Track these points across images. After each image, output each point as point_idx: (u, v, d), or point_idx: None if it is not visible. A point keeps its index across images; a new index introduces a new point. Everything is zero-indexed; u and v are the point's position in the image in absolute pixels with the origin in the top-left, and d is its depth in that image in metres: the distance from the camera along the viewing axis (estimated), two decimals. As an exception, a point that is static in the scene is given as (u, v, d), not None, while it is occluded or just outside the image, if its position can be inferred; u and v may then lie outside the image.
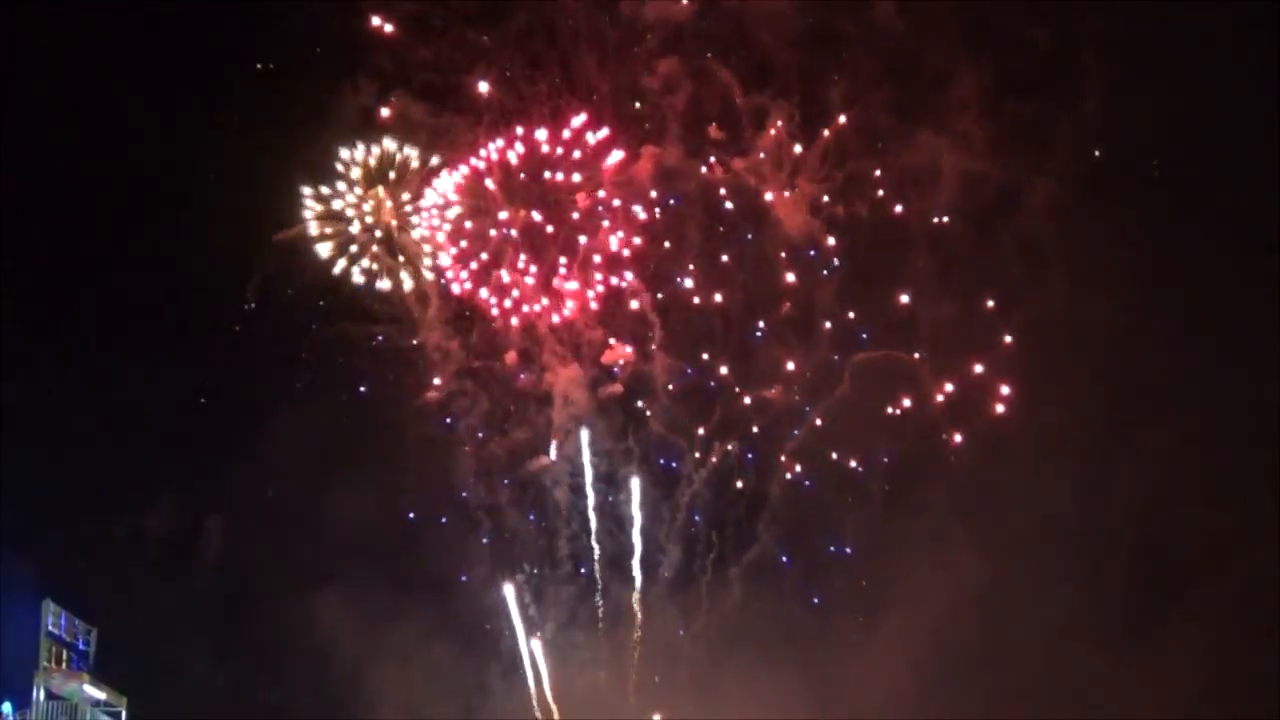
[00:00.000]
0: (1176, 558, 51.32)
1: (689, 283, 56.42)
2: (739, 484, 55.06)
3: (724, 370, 56.14)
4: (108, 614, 45.21)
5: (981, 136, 54.85)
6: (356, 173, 53.78)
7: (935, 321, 54.99)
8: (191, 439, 51.46)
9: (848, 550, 54.73)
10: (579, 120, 54.81)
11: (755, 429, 55.35)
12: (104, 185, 50.80)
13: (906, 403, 54.98)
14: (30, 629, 42.08)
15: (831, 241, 56.25)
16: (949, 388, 54.74)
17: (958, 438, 54.48)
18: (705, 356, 56.19)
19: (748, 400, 55.69)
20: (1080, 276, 53.93)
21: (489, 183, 55.01)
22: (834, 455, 55.03)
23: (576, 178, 55.07)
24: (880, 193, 56.04)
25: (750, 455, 55.36)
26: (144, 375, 50.97)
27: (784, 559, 54.48)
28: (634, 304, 55.91)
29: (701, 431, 55.49)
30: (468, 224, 55.15)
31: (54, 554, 45.74)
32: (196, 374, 52.01)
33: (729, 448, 55.16)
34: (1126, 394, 52.91)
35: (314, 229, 53.59)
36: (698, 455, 55.27)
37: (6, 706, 41.33)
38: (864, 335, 55.75)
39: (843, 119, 55.97)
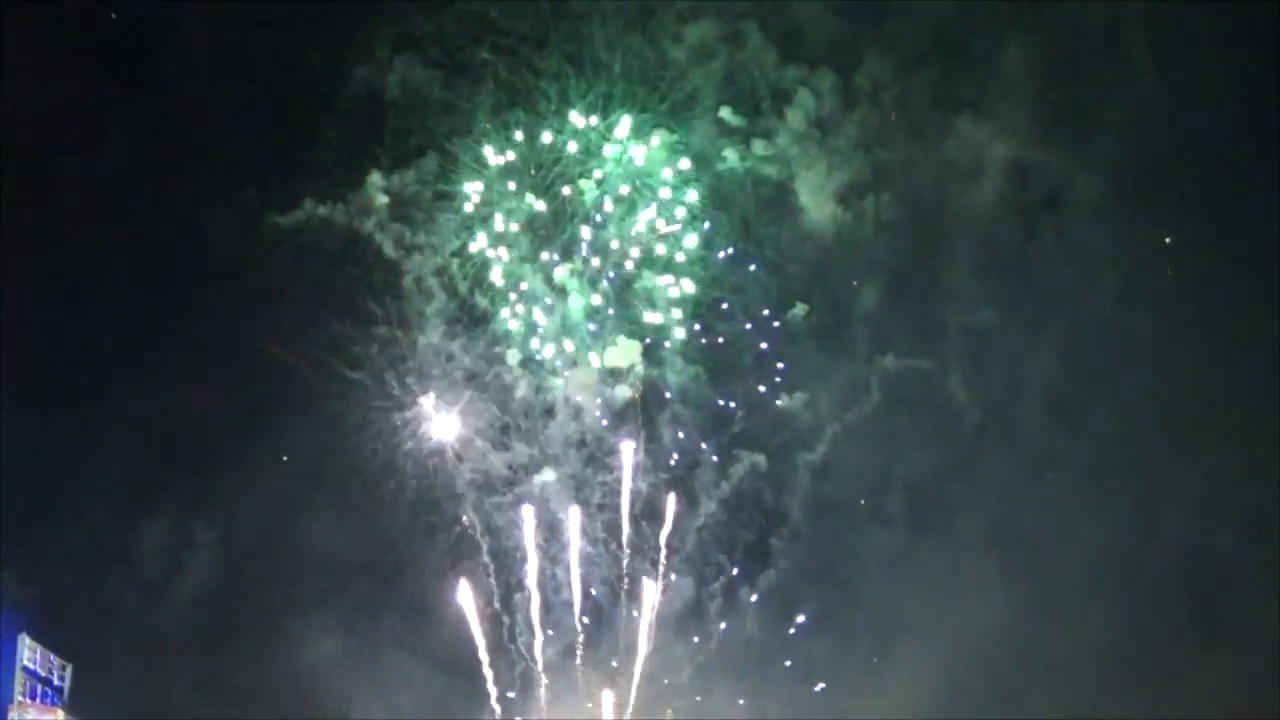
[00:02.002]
0: (1224, 591, 51.11)
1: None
2: (756, 501, 54.38)
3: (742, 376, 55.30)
4: (85, 650, 46.76)
5: (1026, 122, 53.74)
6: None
7: (972, 328, 53.99)
8: (172, 466, 51.61)
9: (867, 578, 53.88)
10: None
11: (774, 442, 54.87)
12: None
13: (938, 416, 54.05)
14: (6, 663, 43.91)
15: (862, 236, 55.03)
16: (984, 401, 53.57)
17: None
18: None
19: (767, 410, 55.06)
20: (1127, 282, 53.36)
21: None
22: (858, 472, 54.52)
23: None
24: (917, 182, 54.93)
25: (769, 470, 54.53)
26: (123, 407, 50.85)
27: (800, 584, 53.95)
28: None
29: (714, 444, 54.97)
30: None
31: (31, 589, 46.75)
32: (177, 401, 51.51)
33: (749, 461, 54.33)
34: (1175, 411, 52.41)
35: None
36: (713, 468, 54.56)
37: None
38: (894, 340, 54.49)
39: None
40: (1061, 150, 53.57)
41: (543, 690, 52.60)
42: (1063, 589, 50.97)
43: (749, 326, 55.16)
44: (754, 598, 53.68)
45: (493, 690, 52.09)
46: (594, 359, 54.70)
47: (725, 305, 55.17)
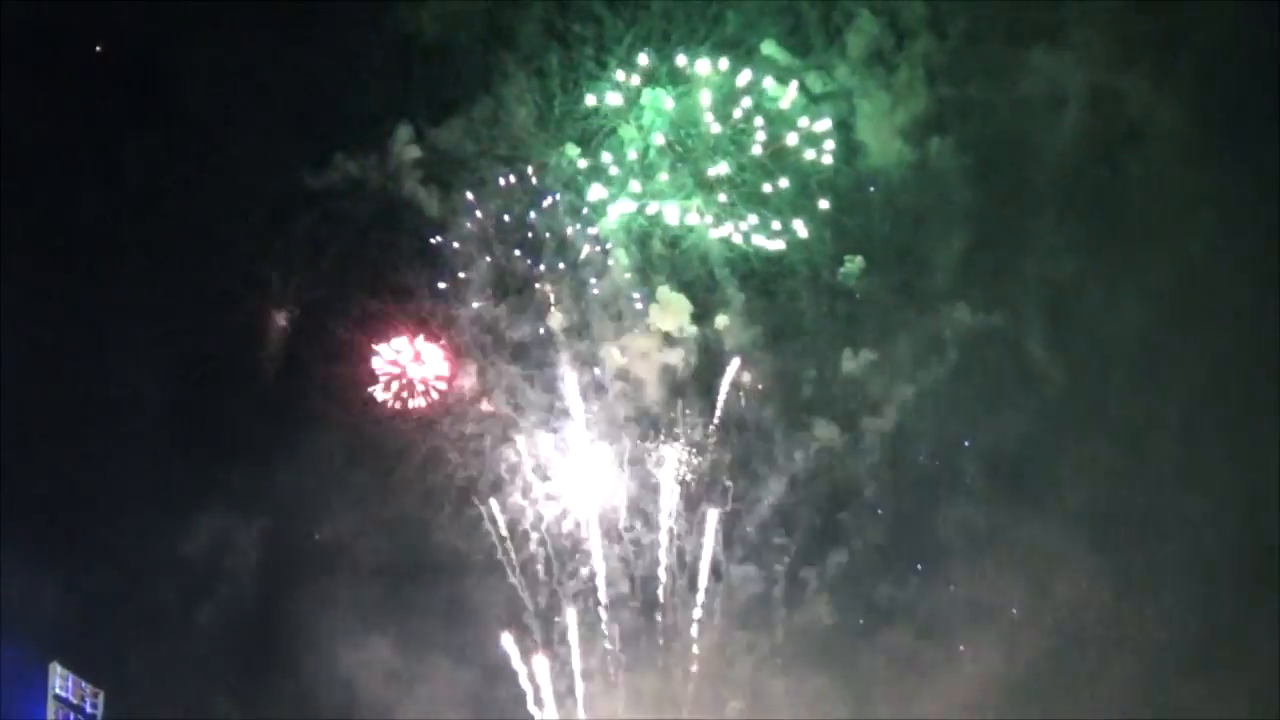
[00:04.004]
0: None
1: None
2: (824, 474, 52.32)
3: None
4: (117, 676, 47.05)
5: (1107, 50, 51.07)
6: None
7: (1051, 282, 51.57)
8: (201, 474, 50.19)
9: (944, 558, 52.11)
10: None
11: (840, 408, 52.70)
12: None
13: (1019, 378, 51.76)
14: (38, 692, 44.40)
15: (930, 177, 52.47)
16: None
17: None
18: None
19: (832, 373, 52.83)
20: (1222, 224, 50.42)
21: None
22: (933, 441, 52.65)
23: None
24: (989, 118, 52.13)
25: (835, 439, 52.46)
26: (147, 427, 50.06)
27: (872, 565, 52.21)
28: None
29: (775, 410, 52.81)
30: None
31: (61, 615, 47.12)
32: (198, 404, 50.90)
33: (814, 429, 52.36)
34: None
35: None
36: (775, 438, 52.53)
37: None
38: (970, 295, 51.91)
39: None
40: (1146, 81, 50.87)
41: (596, 688, 51.12)
42: (1158, 571, 49.48)
43: (809, 280, 52.78)
44: (822, 581, 51.87)
45: (544, 691, 50.73)
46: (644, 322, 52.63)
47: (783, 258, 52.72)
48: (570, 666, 50.59)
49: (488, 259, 51.50)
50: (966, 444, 51.70)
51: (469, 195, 51.39)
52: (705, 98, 51.49)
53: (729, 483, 51.38)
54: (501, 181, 51.36)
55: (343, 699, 49.28)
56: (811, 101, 51.71)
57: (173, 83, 49.81)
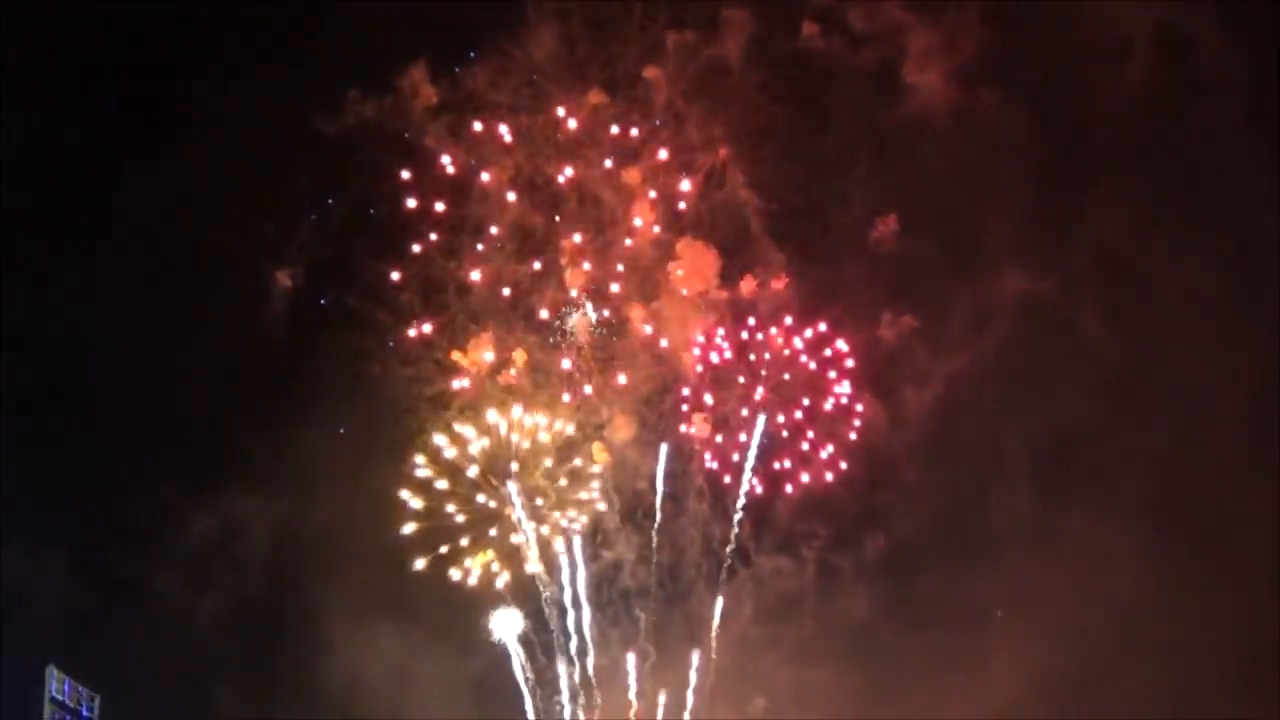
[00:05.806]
0: None
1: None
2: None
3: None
4: (113, 679, 47.63)
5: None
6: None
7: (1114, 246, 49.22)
8: (197, 488, 49.58)
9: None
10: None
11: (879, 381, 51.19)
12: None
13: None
14: (34, 695, 44.94)
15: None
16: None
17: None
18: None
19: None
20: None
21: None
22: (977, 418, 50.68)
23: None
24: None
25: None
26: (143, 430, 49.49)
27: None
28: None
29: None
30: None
31: (58, 619, 47.21)
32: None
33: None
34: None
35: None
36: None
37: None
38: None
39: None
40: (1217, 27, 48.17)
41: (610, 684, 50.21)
42: (1222, 568, 47.49)
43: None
44: (856, 569, 50.81)
45: (561, 684, 49.89)
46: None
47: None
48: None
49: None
50: (1014, 424, 50.02)
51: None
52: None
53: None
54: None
55: (344, 706, 48.85)
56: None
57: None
